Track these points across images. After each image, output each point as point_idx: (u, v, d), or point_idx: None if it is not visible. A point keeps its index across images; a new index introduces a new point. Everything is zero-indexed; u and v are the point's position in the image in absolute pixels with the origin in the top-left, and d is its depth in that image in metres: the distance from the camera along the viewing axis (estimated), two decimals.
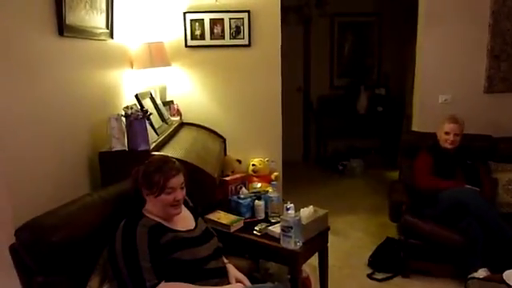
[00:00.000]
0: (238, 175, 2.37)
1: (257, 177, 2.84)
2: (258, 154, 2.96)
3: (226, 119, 2.94)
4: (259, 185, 2.72)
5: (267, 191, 2.21)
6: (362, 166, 4.41)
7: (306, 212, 1.96)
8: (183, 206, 1.50)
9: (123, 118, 1.82)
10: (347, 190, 3.88)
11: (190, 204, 1.62)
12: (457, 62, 2.76)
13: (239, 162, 2.84)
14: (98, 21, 1.83)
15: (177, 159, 1.53)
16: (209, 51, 2.74)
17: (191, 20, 2.64)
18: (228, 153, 2.88)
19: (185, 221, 1.48)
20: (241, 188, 2.27)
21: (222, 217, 1.96)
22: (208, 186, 1.92)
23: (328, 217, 2.00)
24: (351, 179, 4.21)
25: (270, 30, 2.71)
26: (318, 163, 4.73)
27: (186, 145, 2.23)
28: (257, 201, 2.11)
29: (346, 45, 4.63)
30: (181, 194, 1.42)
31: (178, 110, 2.74)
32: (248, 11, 2.64)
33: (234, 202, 2.14)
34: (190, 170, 1.73)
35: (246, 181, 2.37)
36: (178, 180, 1.41)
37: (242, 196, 2.17)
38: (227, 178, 2.31)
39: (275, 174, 2.88)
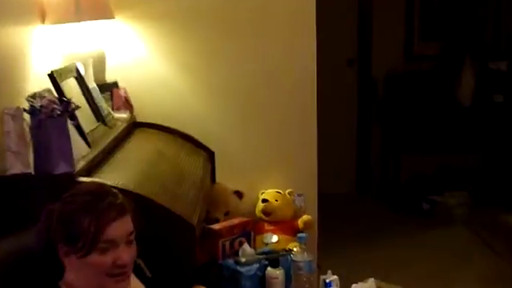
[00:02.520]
0: (236, 220, 2.44)
1: (271, 223, 2.90)
2: (273, 181, 3.04)
3: (215, 119, 2.99)
4: (275, 238, 2.78)
5: (290, 250, 2.25)
6: (466, 205, 4.45)
7: None
8: (133, 278, 1.54)
9: (27, 116, 1.83)
10: (439, 249, 3.92)
11: (147, 273, 1.68)
12: None
13: (239, 195, 2.89)
14: None
15: (121, 191, 1.56)
16: None
17: None
18: (219, 179, 2.92)
19: None
20: (242, 244, 2.33)
21: None
22: (180, 240, 1.96)
23: None
24: (446, 228, 4.25)
25: None
26: (384, 198, 4.81)
27: (141, 165, 2.27)
28: (270, 269, 2.15)
29: None
30: (127, 254, 1.43)
31: (126, 99, 2.79)
32: None
33: (228, 271, 2.20)
34: (147, 212, 1.79)
35: (250, 231, 2.43)
36: (123, 228, 1.43)
37: (243, 259, 2.21)
38: (217, 226, 2.37)
39: (305, 218, 2.92)
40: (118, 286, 1.44)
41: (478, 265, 3.68)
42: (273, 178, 3.03)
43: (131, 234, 1.45)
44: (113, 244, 1.41)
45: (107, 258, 1.40)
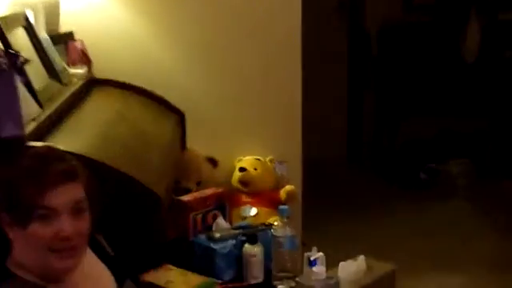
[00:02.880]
0: (209, 191, 2.44)
1: (249, 194, 2.92)
2: (252, 147, 3.05)
3: (186, 75, 2.99)
4: (254, 211, 2.81)
5: (270, 225, 2.27)
6: (469, 174, 4.52)
7: (351, 268, 2.02)
8: (90, 256, 1.55)
9: None
10: (438, 225, 3.97)
11: (109, 251, 1.72)
12: None
13: (213, 162, 2.92)
14: None
15: (76, 156, 1.58)
16: None
17: None
18: (190, 144, 2.94)
19: None
20: (215, 218, 2.33)
21: (176, 280, 2.00)
22: (146, 212, 1.97)
23: (396, 279, 2.09)
24: (447, 201, 4.30)
25: None
26: (377, 167, 4.87)
27: (100, 128, 2.26)
28: (248, 245, 2.16)
29: None
30: (71, 226, 1.41)
31: (83, 52, 2.77)
32: None
33: (200, 248, 2.21)
34: (107, 180, 1.80)
35: (226, 203, 2.44)
36: (68, 195, 1.42)
37: (217, 235, 2.22)
38: (187, 198, 2.37)
39: (287, 188, 2.95)
40: (64, 263, 1.41)
41: (481, 243, 3.74)
42: (251, 144, 3.04)
43: (79, 202, 1.43)
44: (54, 212, 1.39)
45: (48, 229, 1.38)
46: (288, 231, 2.13)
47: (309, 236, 2.92)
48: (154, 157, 2.30)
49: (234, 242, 2.20)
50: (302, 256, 2.01)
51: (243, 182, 2.92)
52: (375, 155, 4.98)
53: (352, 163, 5.08)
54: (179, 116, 2.88)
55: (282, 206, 2.23)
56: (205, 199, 2.37)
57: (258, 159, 2.97)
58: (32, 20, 2.39)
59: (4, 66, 1.83)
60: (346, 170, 5.00)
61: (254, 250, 2.14)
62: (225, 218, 2.39)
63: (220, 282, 2.09)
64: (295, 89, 3.07)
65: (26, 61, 1.96)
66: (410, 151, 4.76)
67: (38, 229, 1.38)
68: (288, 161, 3.04)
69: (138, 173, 2.01)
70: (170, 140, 2.60)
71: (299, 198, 3.07)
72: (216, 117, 3.02)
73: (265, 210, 2.81)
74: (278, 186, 2.96)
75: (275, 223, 2.23)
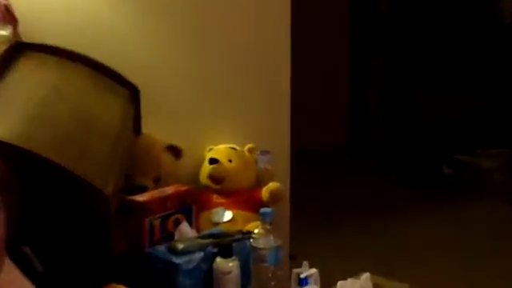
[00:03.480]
0: (171, 189, 2.48)
1: (222, 193, 2.94)
2: (226, 133, 3.08)
3: (141, 39, 3.00)
4: (228, 215, 2.82)
5: (249, 233, 2.29)
6: (506, 167, 4.58)
7: None
8: (10, 271, 1.56)
9: None
10: (465, 233, 4.02)
11: (38, 267, 1.74)
12: None
13: (176, 152, 2.91)
14: None
15: None
16: None
17: None
18: (147, 129, 2.93)
19: None
20: (178, 224, 2.38)
21: None
22: (89, 217, 1.99)
23: None
24: (477, 202, 4.38)
25: None
26: (387, 160, 4.99)
27: (28, 107, 2.24)
28: (220, 259, 2.17)
29: None
30: None
31: (6, 9, 2.73)
32: None
33: (159, 263, 2.22)
34: (36, 174, 1.83)
35: (192, 204, 2.49)
36: None
37: (180, 246, 2.22)
38: (142, 198, 2.38)
39: (272, 186, 2.95)
40: None
41: None
42: (226, 129, 3.07)
43: None
44: None
45: None
46: (272, 241, 2.14)
47: (298, 247, 2.94)
48: (99, 145, 2.29)
49: (201, 254, 2.20)
50: (290, 273, 2.04)
51: (214, 178, 2.91)
52: (383, 144, 4.98)
53: (353, 154, 5.12)
54: (132, 92, 2.86)
55: (264, 209, 2.24)
56: (165, 200, 2.38)
57: (234, 148, 2.98)
58: None
59: None
60: (345, 163, 5.04)
61: (228, 266, 2.15)
62: (190, 223, 2.42)
63: None
64: (283, 59, 3.10)
65: None
66: (430, 138, 4.77)
67: None
68: (273, 151, 3.04)
69: (78, 165, 2.00)
70: (121, 123, 2.58)
71: (286, 198, 3.09)
72: (181, 93, 3.03)
73: (242, 213, 2.82)
74: (260, 183, 2.97)
75: (255, 231, 2.23)
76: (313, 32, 4.41)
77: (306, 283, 1.96)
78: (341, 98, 5.13)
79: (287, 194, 3.09)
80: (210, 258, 2.19)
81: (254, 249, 2.15)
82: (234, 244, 2.22)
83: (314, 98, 4.62)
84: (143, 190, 2.56)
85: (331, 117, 5.05)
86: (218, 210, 2.83)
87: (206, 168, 2.93)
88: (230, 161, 2.94)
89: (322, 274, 1.99)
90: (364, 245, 3.82)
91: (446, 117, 4.83)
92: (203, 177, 2.94)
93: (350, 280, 2.06)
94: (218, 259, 2.16)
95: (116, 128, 2.51)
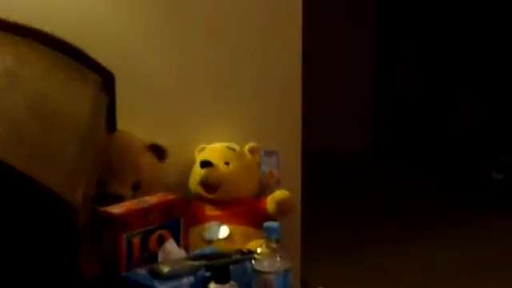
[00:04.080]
0: (153, 199, 2.48)
1: (217, 204, 2.93)
2: (221, 130, 3.10)
3: (117, 15, 3.00)
4: (225, 231, 2.82)
5: (250, 253, 2.29)
6: None
7: None
8: None
9: None
10: None
11: None
12: None
13: (159, 153, 2.91)
14: None
15: None
16: None
17: None
18: (123, 125, 2.95)
19: None
20: (163, 242, 2.38)
21: None
22: (52, 233, 2.00)
23: None
24: None
25: None
26: (420, 163, 5.06)
27: None
28: (215, 285, 2.16)
29: None
30: None
31: None
32: None
33: None
34: None
35: (179, 217, 2.49)
36: None
37: (165, 269, 2.22)
38: (117, 210, 2.38)
39: (278, 195, 2.95)
40: None
41: None
42: (222, 123, 3.10)
43: None
44: None
45: None
46: (279, 263, 2.15)
47: (311, 271, 2.93)
48: (63, 144, 2.29)
49: (191, 279, 2.20)
50: None
51: (207, 185, 2.91)
52: (415, 146, 4.98)
53: (378, 157, 5.12)
54: (106, 79, 2.88)
55: (269, 223, 2.24)
56: (146, 211, 2.38)
57: (232, 148, 2.99)
58: None
59: None
60: (369, 167, 5.05)
61: None
62: (178, 241, 2.42)
63: None
64: (293, 38, 3.13)
65: None
66: (476, 139, 4.77)
67: None
68: (280, 152, 3.04)
69: (38, 169, 2.01)
70: (91, 117, 2.57)
71: (297, 210, 3.10)
72: (165, 81, 3.05)
73: (242, 228, 2.82)
74: (264, 191, 2.98)
75: (258, 250, 2.22)
76: (332, 14, 4.43)
77: None
78: (364, 91, 5.17)
79: (298, 204, 3.10)
80: (201, 284, 2.19)
81: (257, 273, 2.15)
82: (231, 267, 2.20)
83: (333, 90, 4.64)
84: (119, 199, 2.57)
85: (352, 112, 5.09)
86: (212, 224, 2.82)
87: (197, 172, 2.93)
88: (227, 163, 2.93)
89: None
90: (391, 267, 3.82)
91: (490, 114, 4.84)
92: (193, 183, 2.94)
93: None
94: (212, 285, 2.14)
95: (85, 123, 2.51)
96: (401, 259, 3.93)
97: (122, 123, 2.92)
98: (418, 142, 5.04)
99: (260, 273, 2.13)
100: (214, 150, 2.98)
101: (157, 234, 2.37)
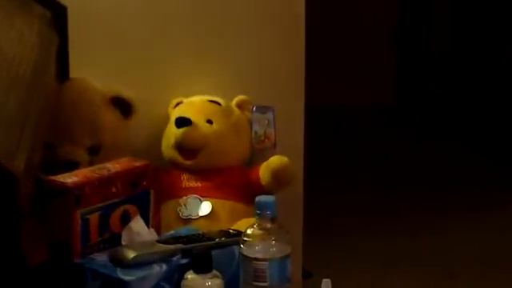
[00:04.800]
0: (116, 165, 2.46)
1: (197, 173, 2.95)
2: (203, 80, 3.11)
3: None
4: (206, 207, 2.84)
5: (238, 235, 2.30)
6: None
7: None
8: None
9: None
10: None
11: None
12: None
13: (124, 107, 2.93)
14: None
15: None
16: None
17: None
18: (78, 72, 2.95)
19: None
20: (128, 220, 2.37)
21: None
22: None
23: None
24: None
25: None
26: (455, 119, 5.17)
27: None
28: (193, 275, 2.15)
29: None
30: None
31: None
32: None
33: (99, 279, 2.21)
34: None
35: (149, 189, 2.48)
36: None
37: (131, 254, 2.22)
38: (70, 179, 2.35)
39: (274, 162, 2.96)
40: None
41: None
42: (203, 70, 3.10)
43: None
44: None
45: None
46: (274, 248, 2.15)
47: (316, 259, 2.95)
48: (2, 96, 2.29)
49: (164, 268, 2.20)
50: None
51: (185, 149, 2.94)
52: (447, 103, 5.01)
53: (403, 114, 5.12)
54: (57, 13, 2.88)
55: (262, 197, 2.24)
56: (107, 182, 2.36)
57: (216, 102, 3.01)
58: None
59: None
60: (392, 126, 5.06)
61: (205, 285, 2.14)
62: (147, 219, 2.42)
63: None
64: None
65: None
66: None
67: None
68: (278, 107, 3.07)
69: None
70: (37, 61, 2.58)
71: (299, 181, 3.12)
72: (133, 16, 3.05)
73: (227, 204, 2.85)
74: (256, 156, 3.01)
75: (249, 231, 2.22)
76: None
77: None
78: (389, 39, 5.19)
79: (299, 174, 3.12)
80: (176, 274, 2.20)
81: (247, 259, 2.14)
82: (214, 252, 2.18)
83: (354, 38, 4.67)
84: (73, 166, 2.59)
85: (373, 61, 5.13)
86: (191, 198, 2.85)
87: (172, 133, 2.95)
88: (210, 121, 2.96)
89: None
90: (415, 251, 3.86)
91: None
92: (167, 147, 2.97)
93: None
94: (190, 275, 2.13)
95: (29, 69, 2.52)
96: (420, 235, 3.96)
97: (76, 70, 2.92)
98: (451, 99, 5.06)
99: (250, 260, 2.13)
100: (194, 105, 3.00)
101: (120, 209, 2.34)
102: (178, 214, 2.80)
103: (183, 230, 2.51)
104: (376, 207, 4.19)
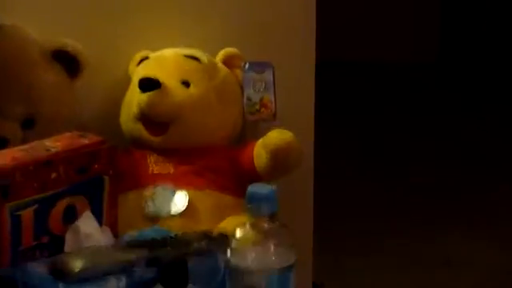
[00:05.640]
0: (58, 142, 2.51)
1: (169, 153, 2.96)
2: (177, 25, 3.16)
3: None
4: (181, 199, 2.85)
5: (222, 238, 2.31)
6: None
7: None
8: None
9: None
10: None
11: None
12: None
13: (71, 64, 2.92)
14: None
15: None
16: None
17: None
18: (11, 17, 2.96)
19: None
20: (75, 217, 2.40)
21: None
22: None
23: None
24: None
25: None
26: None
27: None
28: None
29: None
30: None
31: None
32: None
33: None
34: None
35: (103, 175, 2.54)
36: None
37: (76, 263, 2.22)
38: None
39: (272, 137, 2.93)
40: None
41: None
42: (177, 15, 3.12)
43: None
44: None
45: None
46: (273, 256, 2.16)
47: (329, 267, 2.96)
48: None
49: (123, 282, 2.22)
50: None
51: (152, 120, 2.94)
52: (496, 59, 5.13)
53: (444, 73, 5.22)
54: None
55: (256, 187, 2.25)
56: (46, 166, 2.39)
57: (194, 58, 3.01)
58: None
59: None
60: (431, 87, 5.13)
61: None
62: (100, 216, 2.46)
63: None
64: None
65: None
66: None
67: None
68: (279, 64, 3.09)
69: None
70: None
71: (309, 167, 3.13)
72: None
73: (210, 196, 2.85)
74: (250, 131, 3.03)
75: (238, 233, 2.23)
76: None
77: None
78: None
79: (309, 155, 3.14)
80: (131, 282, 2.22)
81: (236, 272, 2.17)
82: (191, 261, 2.20)
83: None
84: (1, 144, 2.59)
85: (414, 17, 5.29)
86: (160, 189, 2.85)
87: (135, 99, 2.95)
88: (186, 83, 2.95)
89: None
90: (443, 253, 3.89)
91: None
92: (128, 118, 2.97)
93: None
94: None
95: None
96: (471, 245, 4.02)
97: (8, 15, 2.93)
98: (499, 56, 5.20)
99: (241, 271, 2.14)
100: (164, 61, 3.00)
101: (63, 203, 2.36)
102: (144, 209, 2.79)
103: (149, 232, 2.51)
104: (401, 192, 4.25)
